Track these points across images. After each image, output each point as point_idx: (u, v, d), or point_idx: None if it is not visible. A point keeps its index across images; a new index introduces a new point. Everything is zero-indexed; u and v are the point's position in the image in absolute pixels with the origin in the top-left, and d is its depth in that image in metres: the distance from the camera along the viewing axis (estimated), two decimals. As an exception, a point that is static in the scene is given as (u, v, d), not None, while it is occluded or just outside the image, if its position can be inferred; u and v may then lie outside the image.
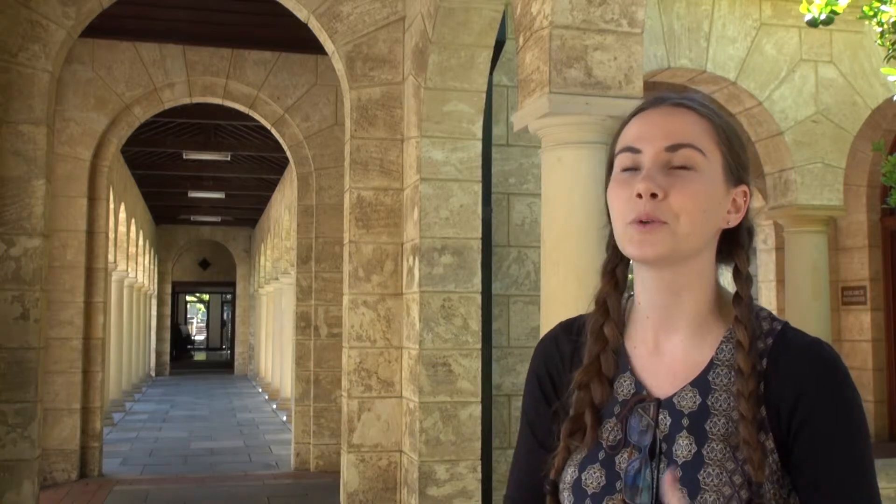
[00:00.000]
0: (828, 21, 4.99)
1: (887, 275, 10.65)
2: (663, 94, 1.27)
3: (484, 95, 5.97)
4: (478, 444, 5.87)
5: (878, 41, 5.49)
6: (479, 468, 5.87)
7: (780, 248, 9.91)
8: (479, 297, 5.92)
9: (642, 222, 1.16)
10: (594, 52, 3.95)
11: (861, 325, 10.63)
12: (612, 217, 1.23)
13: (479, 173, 5.98)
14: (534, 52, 4.08)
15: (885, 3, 5.19)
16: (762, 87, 7.96)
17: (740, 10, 7.91)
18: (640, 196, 1.16)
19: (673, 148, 1.17)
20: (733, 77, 7.87)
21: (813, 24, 5.04)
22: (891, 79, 5.23)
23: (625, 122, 1.25)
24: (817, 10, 4.97)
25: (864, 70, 8.21)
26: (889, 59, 5.51)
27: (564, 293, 3.89)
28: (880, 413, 10.49)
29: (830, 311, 8.27)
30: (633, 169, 1.20)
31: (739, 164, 1.22)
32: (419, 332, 5.78)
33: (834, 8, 4.93)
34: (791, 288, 8.06)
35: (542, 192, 4.19)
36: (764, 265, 11.25)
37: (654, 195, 1.15)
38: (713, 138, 1.20)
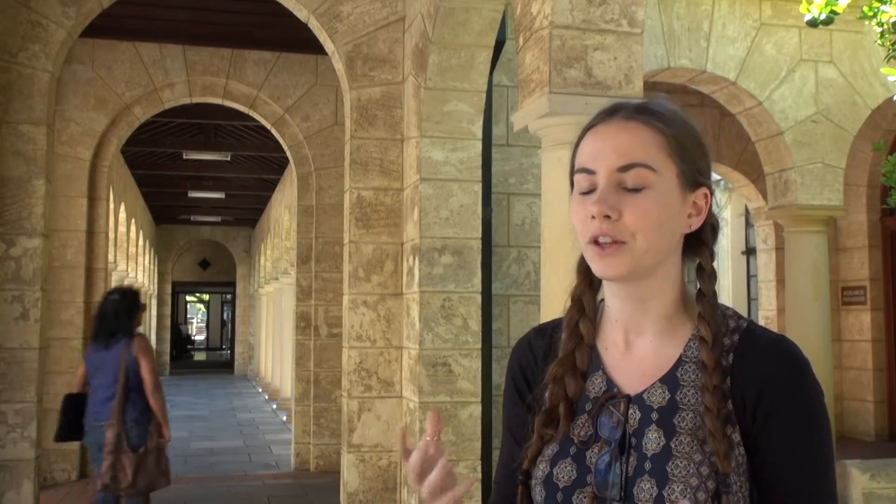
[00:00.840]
0: (828, 21, 4.99)
1: (887, 275, 10.65)
2: (618, 103, 1.28)
3: (484, 95, 5.97)
4: (478, 444, 5.87)
5: (878, 41, 5.49)
6: (479, 468, 5.87)
7: (780, 248, 9.91)
8: (479, 297, 5.92)
9: (599, 243, 1.20)
10: (594, 52, 3.95)
11: (861, 325, 10.63)
12: (576, 232, 1.26)
13: (479, 173, 5.98)
14: (534, 52, 4.08)
15: (885, 3, 5.19)
16: (762, 87, 7.96)
17: (740, 10, 7.91)
18: (594, 217, 1.20)
19: (624, 168, 1.20)
20: (733, 77, 7.88)
21: (813, 24, 5.04)
22: (891, 79, 5.23)
23: (582, 134, 1.28)
24: (817, 10, 4.97)
25: (864, 70, 8.21)
26: (889, 59, 5.51)
27: (564, 293, 3.85)
28: (880, 413, 10.49)
29: (830, 311, 8.27)
30: (591, 190, 1.23)
31: (696, 170, 1.24)
32: (419, 332, 5.78)
33: (834, 8, 4.93)
34: (791, 288, 8.06)
35: (542, 192, 4.20)
36: (764, 265, 11.25)
37: (607, 216, 1.19)
38: (665, 150, 1.22)
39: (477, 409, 5.87)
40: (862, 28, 7.97)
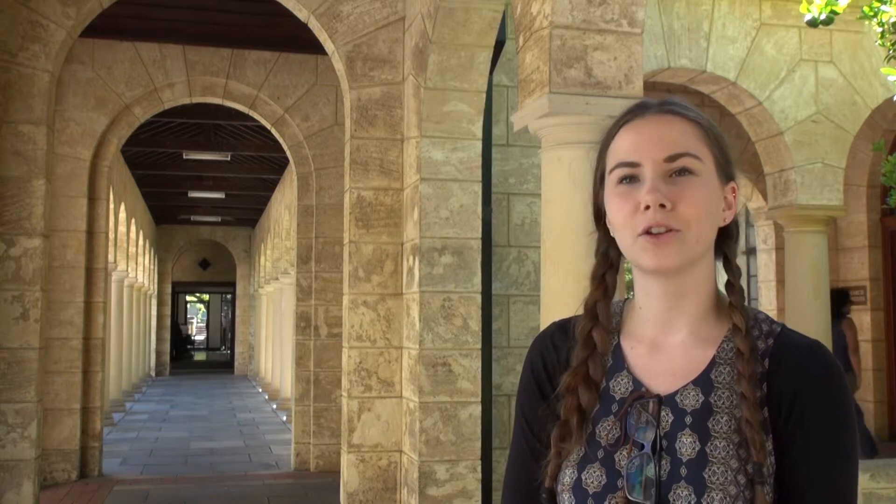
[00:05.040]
0: (828, 21, 4.98)
1: (887, 275, 10.65)
2: (644, 100, 1.28)
3: (484, 95, 5.97)
4: (478, 444, 5.87)
5: (878, 41, 5.49)
6: (479, 468, 5.86)
7: (780, 248, 9.91)
8: (479, 297, 5.92)
9: (652, 233, 1.17)
10: (594, 52, 3.95)
11: (861, 325, 10.61)
12: (616, 230, 1.24)
13: (479, 173, 5.98)
14: (534, 52, 4.08)
15: (885, 3, 5.19)
16: (762, 87, 7.96)
17: (740, 10, 7.91)
18: (647, 208, 1.17)
19: (672, 158, 1.19)
20: (733, 77, 7.87)
21: (813, 24, 5.03)
22: (891, 79, 5.23)
23: (611, 133, 1.26)
24: (817, 10, 4.97)
25: (864, 70, 8.21)
26: (889, 59, 5.51)
27: (564, 293, 3.88)
28: (880, 413, 10.49)
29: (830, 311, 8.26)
30: (631, 180, 1.21)
31: (729, 162, 1.25)
32: (419, 332, 5.78)
33: (834, 8, 4.92)
34: (791, 288, 8.05)
35: (542, 192, 4.20)
36: (764, 265, 11.25)
37: (662, 205, 1.17)
38: (704, 141, 1.22)
39: (477, 409, 5.87)
40: (862, 28, 7.97)
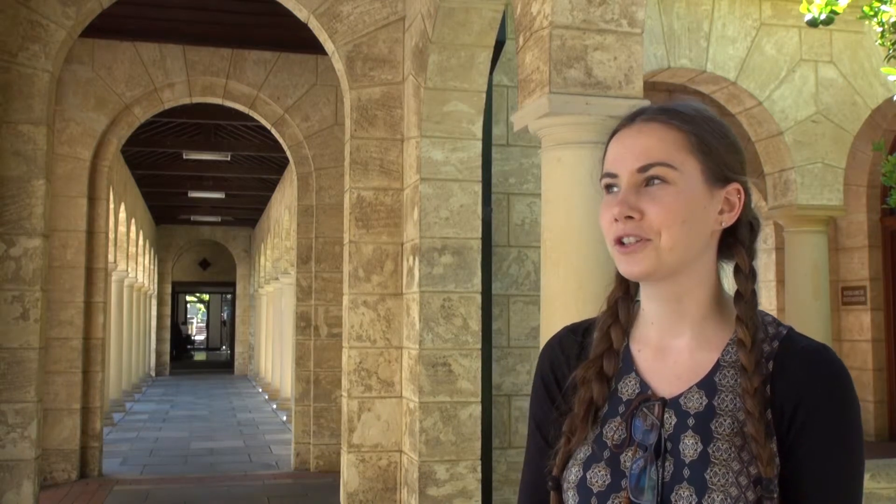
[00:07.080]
0: (828, 21, 4.98)
1: (887, 275, 10.65)
2: (639, 108, 1.29)
3: (484, 95, 5.97)
4: (478, 444, 5.87)
5: (878, 41, 5.49)
6: (479, 468, 5.87)
7: (780, 248, 9.91)
8: (479, 297, 5.92)
9: (623, 243, 1.20)
10: (594, 52, 3.95)
11: (861, 325, 10.62)
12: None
13: (479, 173, 5.98)
14: (534, 52, 4.08)
15: (885, 3, 5.19)
16: (762, 87, 7.96)
17: (740, 10, 7.91)
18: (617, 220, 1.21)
19: (643, 168, 1.21)
20: (733, 77, 7.87)
21: (813, 24, 5.03)
22: (891, 79, 5.23)
23: (607, 142, 1.29)
24: (817, 10, 4.97)
25: (864, 70, 8.21)
26: (889, 59, 5.51)
27: (565, 293, 3.88)
28: (880, 413, 10.49)
29: (830, 311, 8.26)
30: (614, 190, 1.24)
31: (724, 165, 1.23)
32: (419, 332, 5.78)
33: (834, 8, 4.93)
34: (791, 288, 8.05)
35: (542, 192, 4.20)
36: (764, 265, 11.24)
37: (630, 217, 1.19)
38: (685, 148, 1.22)
39: (477, 409, 5.87)
40: (862, 28, 7.97)
